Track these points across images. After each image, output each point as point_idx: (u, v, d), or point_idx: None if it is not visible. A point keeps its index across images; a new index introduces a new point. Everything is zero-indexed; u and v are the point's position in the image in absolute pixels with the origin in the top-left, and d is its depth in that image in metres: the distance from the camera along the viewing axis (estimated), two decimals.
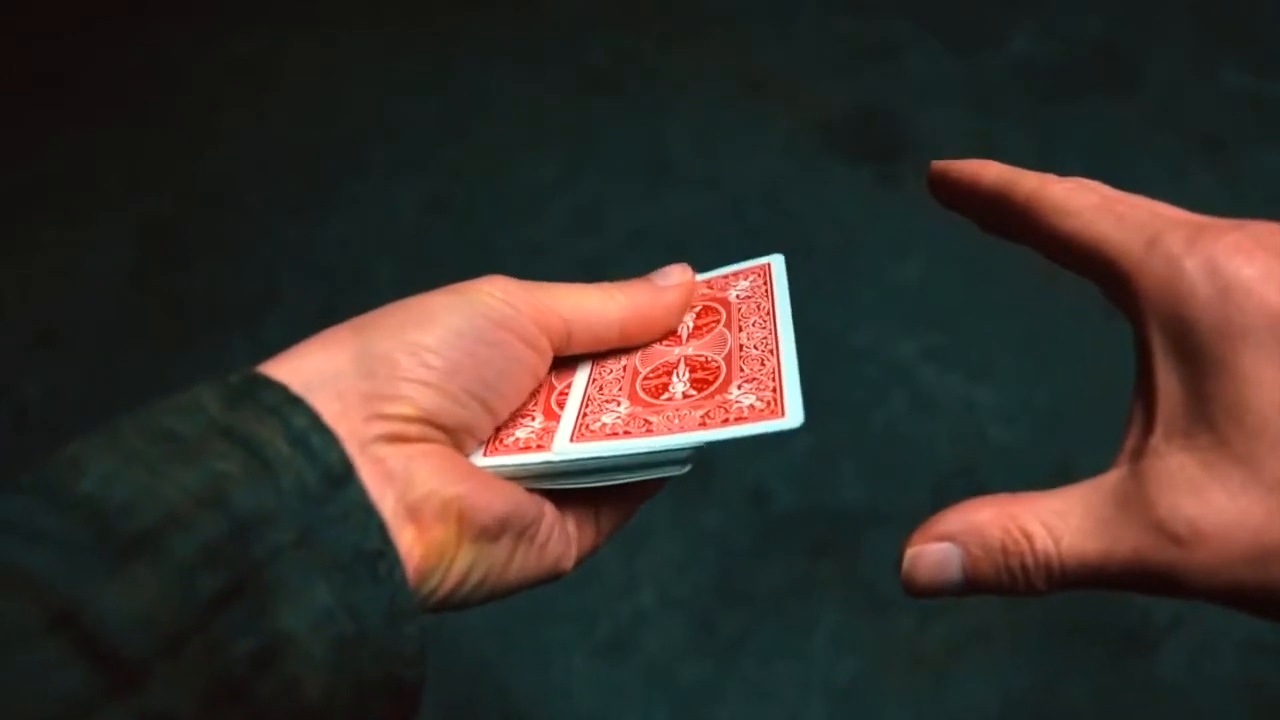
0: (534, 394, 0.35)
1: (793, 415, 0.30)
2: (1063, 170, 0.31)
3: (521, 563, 0.32)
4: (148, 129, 1.68)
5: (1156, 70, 1.63)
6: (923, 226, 1.44)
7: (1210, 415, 0.26)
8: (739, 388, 0.33)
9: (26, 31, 1.83)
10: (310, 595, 0.25)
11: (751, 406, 0.31)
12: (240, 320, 1.43)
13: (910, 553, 0.27)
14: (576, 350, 0.35)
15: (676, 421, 0.32)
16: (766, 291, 0.37)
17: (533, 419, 0.34)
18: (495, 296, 0.32)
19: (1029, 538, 0.26)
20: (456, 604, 0.31)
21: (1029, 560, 0.26)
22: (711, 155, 1.57)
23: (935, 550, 0.27)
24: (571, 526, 0.34)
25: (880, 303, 1.37)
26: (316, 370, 0.29)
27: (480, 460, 0.32)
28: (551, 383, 0.36)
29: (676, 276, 0.37)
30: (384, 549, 0.27)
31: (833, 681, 1.08)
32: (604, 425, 0.33)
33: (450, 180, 1.57)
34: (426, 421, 0.30)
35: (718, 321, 0.37)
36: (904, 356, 1.31)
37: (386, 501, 0.28)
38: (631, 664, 1.08)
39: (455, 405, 0.31)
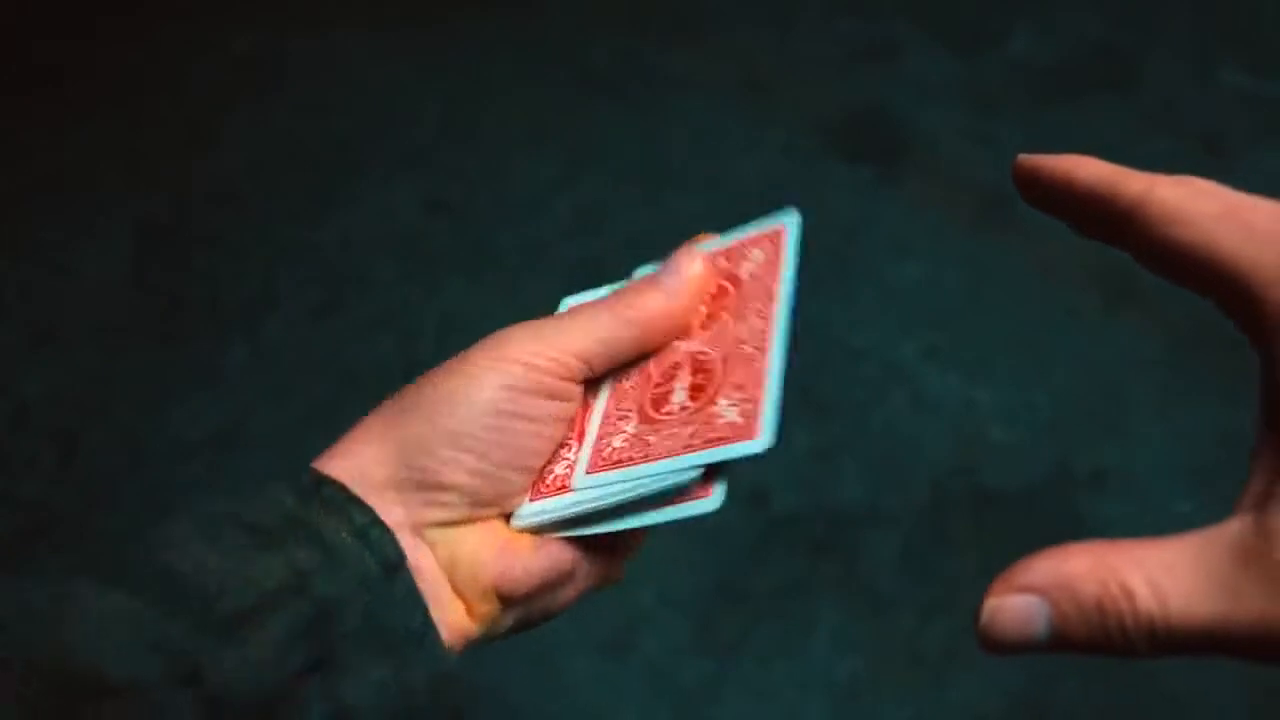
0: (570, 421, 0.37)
1: (763, 437, 0.32)
2: None
3: (568, 597, 0.36)
4: (148, 129, 1.68)
5: (1156, 70, 1.63)
6: (923, 226, 1.44)
7: None
8: (726, 398, 0.34)
9: (26, 31, 1.83)
10: (370, 672, 0.31)
11: (731, 424, 0.33)
12: (240, 320, 1.43)
13: (990, 604, 0.23)
14: (599, 375, 0.37)
15: (668, 444, 0.34)
16: (774, 268, 0.36)
17: (569, 448, 0.36)
18: (518, 364, 0.34)
19: (1129, 595, 0.22)
20: (520, 631, 0.36)
21: (1128, 621, 0.22)
22: (711, 155, 1.57)
23: (1018, 604, 0.23)
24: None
25: (880, 303, 1.37)
26: (365, 469, 0.33)
27: (525, 511, 0.35)
28: (586, 398, 0.37)
29: (685, 272, 0.36)
30: (426, 630, 0.32)
31: (833, 681, 1.08)
32: (614, 450, 0.35)
33: (450, 180, 1.57)
34: (471, 503, 0.34)
35: (724, 308, 0.36)
36: (904, 356, 1.31)
37: (441, 583, 0.34)
38: (631, 664, 1.08)
39: (495, 480, 0.34)
